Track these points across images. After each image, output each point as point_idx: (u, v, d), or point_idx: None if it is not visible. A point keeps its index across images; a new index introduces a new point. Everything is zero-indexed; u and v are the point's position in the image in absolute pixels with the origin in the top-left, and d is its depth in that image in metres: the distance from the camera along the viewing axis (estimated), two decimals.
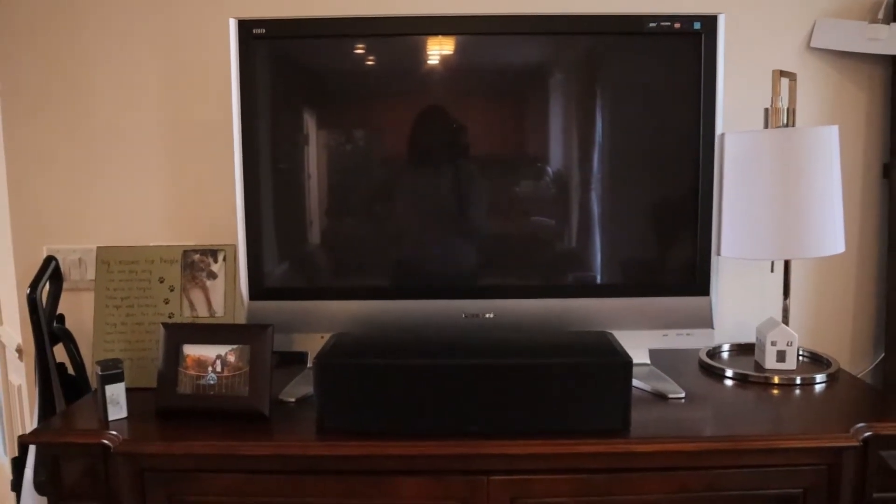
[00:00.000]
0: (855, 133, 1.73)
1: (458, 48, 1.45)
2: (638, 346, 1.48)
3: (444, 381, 1.24)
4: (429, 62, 1.46)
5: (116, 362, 1.33)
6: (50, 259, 1.57)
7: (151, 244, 1.56)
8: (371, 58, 1.47)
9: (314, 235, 1.51)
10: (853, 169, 1.73)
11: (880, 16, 1.66)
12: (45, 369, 1.52)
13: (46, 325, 1.52)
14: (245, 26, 1.42)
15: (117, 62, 1.70)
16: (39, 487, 1.44)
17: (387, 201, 1.52)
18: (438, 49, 1.45)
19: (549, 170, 1.50)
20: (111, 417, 1.31)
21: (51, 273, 1.55)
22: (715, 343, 1.63)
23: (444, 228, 1.52)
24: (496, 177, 1.52)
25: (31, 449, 1.50)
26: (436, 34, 1.43)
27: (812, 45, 1.69)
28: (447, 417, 1.25)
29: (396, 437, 1.23)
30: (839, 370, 1.54)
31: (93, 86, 1.71)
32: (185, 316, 1.48)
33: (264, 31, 1.42)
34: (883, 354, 1.76)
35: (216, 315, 1.49)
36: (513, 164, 1.52)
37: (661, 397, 1.40)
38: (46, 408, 1.52)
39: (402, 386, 1.25)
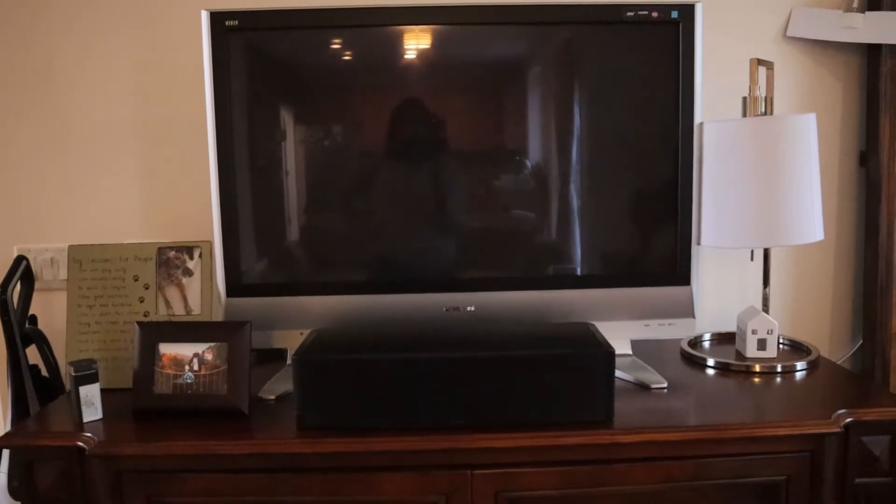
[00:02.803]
0: (831, 121, 1.73)
1: (436, 39, 1.43)
2: (620, 336, 1.47)
3: (426, 375, 1.23)
4: (406, 54, 1.44)
5: (90, 362, 1.30)
6: (20, 259, 1.54)
7: (125, 242, 1.53)
8: (347, 49, 1.45)
9: (292, 231, 1.49)
10: (830, 157, 1.74)
11: (855, 5, 1.67)
12: (17, 371, 1.49)
13: (18, 327, 1.49)
14: (217, 18, 1.39)
15: (87, 56, 1.67)
16: (13, 492, 1.41)
17: (365, 196, 1.50)
18: (416, 41, 1.43)
19: (528, 162, 1.49)
20: (86, 419, 1.28)
21: (21, 273, 1.52)
22: (696, 332, 1.63)
23: (423, 222, 1.51)
24: (475, 169, 1.50)
25: (5, 453, 1.47)
26: (413, 24, 1.41)
27: (788, 33, 1.69)
28: (430, 412, 1.24)
29: (378, 433, 1.22)
30: (819, 357, 1.55)
31: (63, 81, 1.67)
32: (161, 314, 1.46)
33: (237, 22, 1.39)
34: (861, 341, 1.78)
35: (193, 313, 1.46)
36: (492, 156, 1.51)
37: (643, 388, 1.40)
38: (20, 411, 1.49)
39: (383, 381, 1.23)
